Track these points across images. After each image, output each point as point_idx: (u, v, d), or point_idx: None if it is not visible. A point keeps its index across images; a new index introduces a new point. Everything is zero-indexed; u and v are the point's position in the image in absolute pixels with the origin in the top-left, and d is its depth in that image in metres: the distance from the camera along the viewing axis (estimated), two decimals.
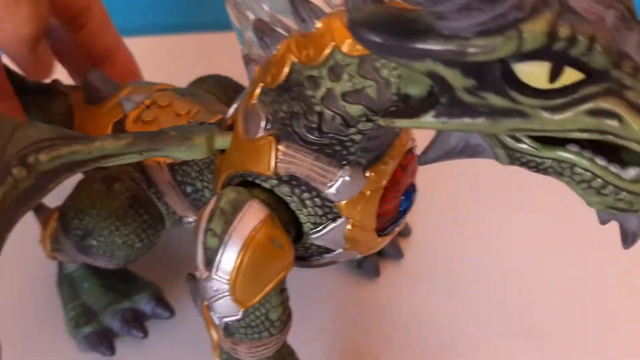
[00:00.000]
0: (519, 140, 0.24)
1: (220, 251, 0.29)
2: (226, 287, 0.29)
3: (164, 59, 0.54)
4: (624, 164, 0.23)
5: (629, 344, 0.38)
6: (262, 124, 0.29)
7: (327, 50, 0.26)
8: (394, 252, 0.43)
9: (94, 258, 0.36)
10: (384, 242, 0.32)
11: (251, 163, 0.30)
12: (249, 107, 0.30)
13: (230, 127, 0.33)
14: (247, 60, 0.31)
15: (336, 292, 0.40)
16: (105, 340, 0.38)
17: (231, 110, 0.33)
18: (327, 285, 0.38)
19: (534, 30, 0.20)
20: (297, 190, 0.30)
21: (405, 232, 0.44)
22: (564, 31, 0.20)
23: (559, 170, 0.24)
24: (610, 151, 0.23)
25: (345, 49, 0.26)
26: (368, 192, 0.30)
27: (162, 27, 0.60)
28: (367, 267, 0.41)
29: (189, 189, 0.36)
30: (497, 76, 0.22)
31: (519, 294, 0.40)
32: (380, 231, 0.31)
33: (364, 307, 0.39)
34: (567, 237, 0.43)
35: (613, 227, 0.25)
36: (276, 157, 0.29)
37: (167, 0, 0.61)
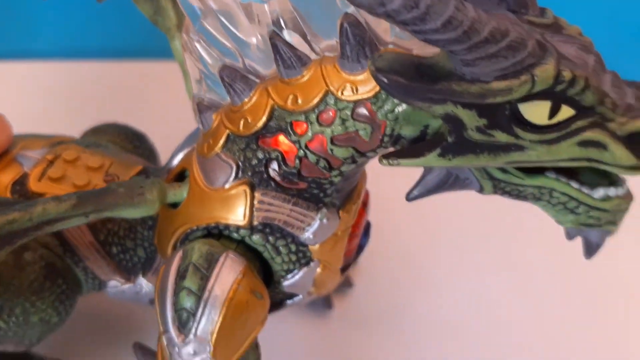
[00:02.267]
0: (505, 172, 0.26)
1: (200, 310, 0.27)
2: (207, 348, 0.27)
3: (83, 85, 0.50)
4: (585, 185, 0.26)
5: None
6: (232, 172, 0.28)
7: (319, 96, 0.26)
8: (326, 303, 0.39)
9: (0, 342, 0.31)
10: (340, 280, 0.32)
11: (221, 214, 0.28)
12: (209, 156, 0.29)
13: (176, 178, 0.31)
14: (201, 107, 0.29)
15: (291, 333, 0.38)
16: None
17: (175, 160, 0.31)
18: (281, 326, 0.36)
19: (545, 74, 0.23)
20: (271, 238, 0.29)
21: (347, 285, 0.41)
22: (567, 74, 0.23)
23: (538, 196, 0.27)
24: (570, 175, 0.26)
25: (340, 94, 0.26)
26: (339, 232, 0.30)
27: (86, 52, 0.57)
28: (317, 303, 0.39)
29: (115, 249, 0.32)
30: (506, 115, 0.24)
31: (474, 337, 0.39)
32: (343, 269, 0.32)
33: (318, 344, 0.38)
34: (524, 261, 0.44)
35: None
36: (252, 206, 0.28)
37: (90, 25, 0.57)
